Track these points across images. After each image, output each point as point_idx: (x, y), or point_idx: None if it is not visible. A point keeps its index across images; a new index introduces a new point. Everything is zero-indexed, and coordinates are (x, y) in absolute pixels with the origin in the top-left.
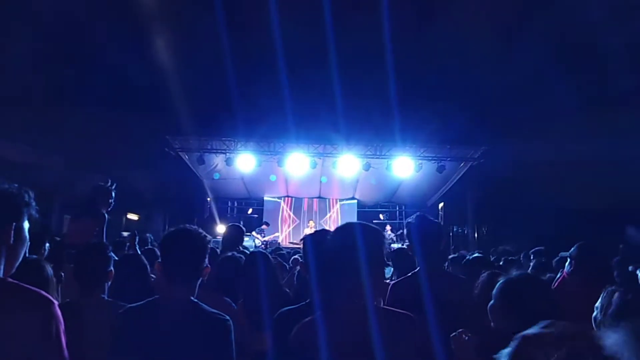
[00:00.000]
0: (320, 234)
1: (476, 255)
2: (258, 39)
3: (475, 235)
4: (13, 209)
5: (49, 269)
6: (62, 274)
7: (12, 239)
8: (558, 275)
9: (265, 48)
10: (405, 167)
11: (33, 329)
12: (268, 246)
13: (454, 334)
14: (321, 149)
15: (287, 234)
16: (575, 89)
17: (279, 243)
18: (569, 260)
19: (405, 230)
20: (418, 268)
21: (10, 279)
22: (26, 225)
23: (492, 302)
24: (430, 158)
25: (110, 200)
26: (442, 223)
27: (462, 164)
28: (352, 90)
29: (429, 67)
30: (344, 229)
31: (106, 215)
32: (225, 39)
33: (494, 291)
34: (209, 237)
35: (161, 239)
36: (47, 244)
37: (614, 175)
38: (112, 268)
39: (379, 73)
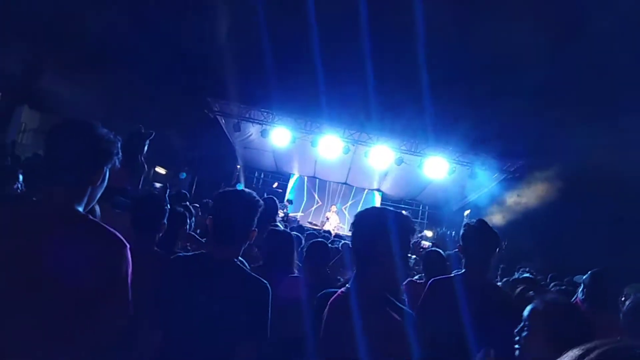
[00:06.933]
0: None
1: (525, 275)
2: (306, 19)
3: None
4: (107, 155)
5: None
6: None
7: (99, 181)
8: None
9: (311, 29)
10: (437, 168)
11: (106, 265)
12: (288, 222)
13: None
14: (356, 135)
15: (308, 214)
16: None
17: (298, 221)
18: (581, 286)
19: (462, 231)
20: (464, 270)
21: (91, 217)
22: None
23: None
24: (464, 163)
25: (145, 146)
26: None
27: (495, 175)
28: (392, 83)
29: (476, 69)
30: (368, 214)
31: (145, 165)
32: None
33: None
34: (261, 202)
35: (214, 197)
36: None
37: None
38: (165, 221)
39: (414, 71)
